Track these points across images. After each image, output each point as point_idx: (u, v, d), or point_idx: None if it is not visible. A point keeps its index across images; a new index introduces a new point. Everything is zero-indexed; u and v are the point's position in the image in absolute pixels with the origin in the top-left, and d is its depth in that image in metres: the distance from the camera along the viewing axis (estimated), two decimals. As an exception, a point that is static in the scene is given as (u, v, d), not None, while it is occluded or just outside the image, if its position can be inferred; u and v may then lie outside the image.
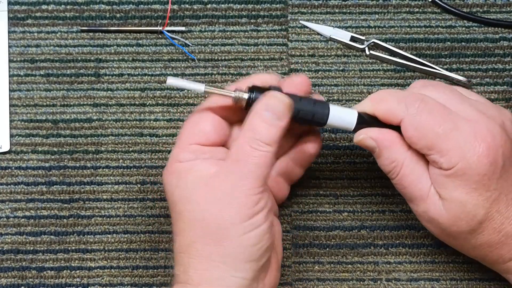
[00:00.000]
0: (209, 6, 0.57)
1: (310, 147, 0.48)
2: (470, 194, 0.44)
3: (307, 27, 0.57)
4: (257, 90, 0.45)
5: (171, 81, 0.44)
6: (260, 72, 0.47)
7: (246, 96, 0.45)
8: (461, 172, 0.43)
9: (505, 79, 0.56)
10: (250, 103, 0.45)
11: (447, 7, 0.57)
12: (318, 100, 0.47)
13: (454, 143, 0.44)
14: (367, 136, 0.46)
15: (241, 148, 0.43)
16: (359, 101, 0.56)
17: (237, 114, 0.46)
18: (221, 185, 0.43)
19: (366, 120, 0.47)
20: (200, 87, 0.44)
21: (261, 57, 0.57)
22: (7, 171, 0.55)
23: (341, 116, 0.47)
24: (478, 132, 0.44)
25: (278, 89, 0.45)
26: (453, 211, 0.45)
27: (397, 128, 0.46)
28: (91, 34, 0.57)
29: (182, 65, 0.57)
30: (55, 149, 0.55)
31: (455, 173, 0.44)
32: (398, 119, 0.45)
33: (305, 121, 0.46)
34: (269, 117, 0.43)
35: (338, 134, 0.55)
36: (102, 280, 0.54)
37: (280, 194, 0.51)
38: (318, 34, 0.57)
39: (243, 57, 0.57)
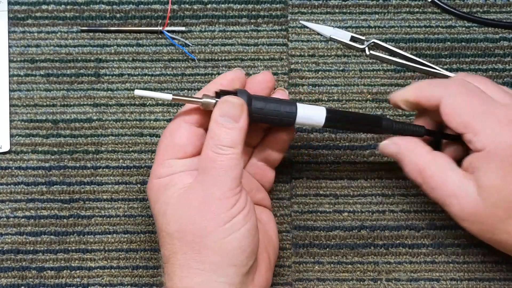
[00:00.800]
0: (209, 6, 0.57)
1: (284, 134, 0.49)
2: (505, 178, 0.44)
3: (307, 27, 0.57)
4: (223, 94, 0.45)
5: (138, 92, 0.45)
6: (225, 72, 0.48)
7: (213, 101, 0.45)
8: (494, 153, 0.44)
9: (505, 79, 0.56)
10: None
11: (447, 7, 0.57)
12: (285, 100, 0.47)
13: (489, 124, 0.44)
14: (391, 142, 0.48)
15: (206, 156, 0.44)
16: (359, 101, 0.56)
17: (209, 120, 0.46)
18: (195, 195, 0.43)
19: (336, 117, 0.48)
20: (167, 96, 0.45)
21: (261, 57, 0.57)
22: (7, 171, 0.55)
23: (310, 115, 0.47)
24: None
25: (243, 91, 0.46)
26: (489, 198, 0.44)
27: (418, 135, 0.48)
28: (91, 34, 0.57)
29: (182, 65, 0.57)
30: (55, 149, 0.55)
31: (488, 154, 0.44)
32: (438, 99, 0.46)
33: (273, 122, 0.47)
34: (225, 121, 0.44)
35: (338, 134, 0.55)
36: (102, 280, 0.54)
37: (265, 179, 0.51)
38: (318, 34, 0.57)
39: (243, 57, 0.57)
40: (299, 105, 0.47)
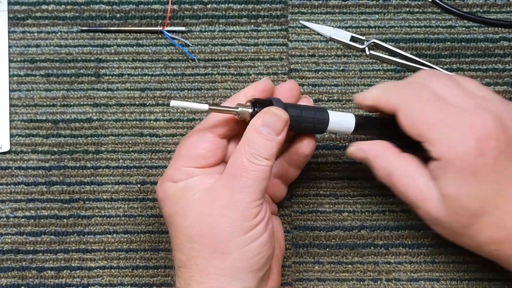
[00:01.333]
0: (209, 6, 0.57)
1: (304, 148, 0.48)
2: (463, 187, 0.44)
3: (307, 27, 0.57)
4: (259, 103, 0.45)
5: (175, 103, 0.44)
6: (255, 82, 0.48)
7: (250, 110, 0.45)
8: (450, 162, 0.44)
9: (505, 79, 0.56)
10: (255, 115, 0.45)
11: (447, 7, 0.57)
12: (317, 107, 0.48)
13: (444, 134, 0.44)
14: (356, 148, 0.48)
15: (239, 162, 0.43)
16: (359, 101, 0.56)
17: (235, 130, 0.46)
18: (219, 199, 0.43)
19: (364, 123, 0.48)
20: (204, 107, 0.44)
21: (261, 57, 0.57)
22: (7, 171, 0.55)
23: (340, 121, 0.48)
24: (469, 124, 0.44)
25: (278, 100, 0.46)
26: (450, 206, 0.45)
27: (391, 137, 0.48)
28: (91, 34, 0.57)
29: (182, 65, 0.57)
30: (55, 149, 0.55)
31: (445, 163, 0.44)
32: (395, 106, 0.46)
33: (306, 130, 0.47)
34: (267, 133, 0.43)
35: (338, 134, 0.55)
36: (102, 280, 0.54)
37: (277, 195, 0.51)
38: (318, 34, 0.57)
39: (243, 57, 0.57)
40: (330, 112, 0.47)
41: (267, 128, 0.43)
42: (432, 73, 0.48)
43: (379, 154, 0.47)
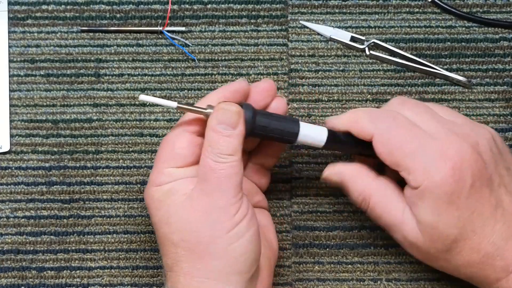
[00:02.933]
0: (209, 6, 0.57)
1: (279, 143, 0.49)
2: (441, 215, 0.44)
3: (307, 27, 0.57)
4: None
5: (143, 97, 0.44)
6: (229, 83, 0.48)
7: None
8: (428, 190, 0.44)
9: (505, 79, 0.56)
10: None
11: (447, 7, 0.57)
12: (289, 118, 0.47)
13: (420, 162, 0.44)
14: (332, 172, 0.48)
15: (206, 165, 0.43)
16: (359, 101, 0.56)
17: None
18: (198, 203, 0.43)
19: (336, 138, 0.48)
20: (172, 104, 0.44)
21: (261, 57, 0.57)
22: (7, 171, 0.55)
23: (311, 135, 0.47)
24: (445, 152, 0.44)
25: (248, 105, 0.46)
26: (427, 233, 0.45)
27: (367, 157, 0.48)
28: (91, 34, 0.57)
29: (182, 65, 0.57)
30: (55, 149, 0.55)
31: (422, 192, 0.44)
32: (370, 136, 0.46)
33: (274, 138, 0.47)
34: (223, 129, 0.44)
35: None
36: (102, 280, 0.54)
37: (262, 181, 0.51)
38: (318, 34, 0.57)
39: (243, 57, 0.57)
40: (302, 124, 0.47)
41: (222, 125, 0.44)
42: (403, 101, 0.48)
43: (355, 177, 0.47)
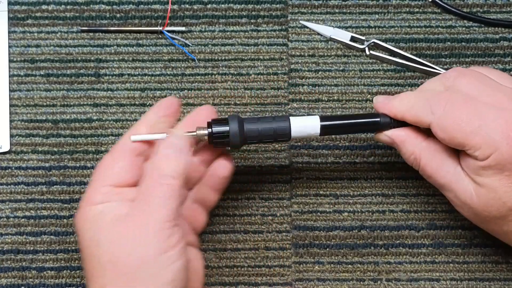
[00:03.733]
0: (209, 6, 0.57)
1: (222, 171, 0.48)
2: (503, 181, 0.44)
3: (307, 27, 0.57)
4: (215, 123, 0.47)
5: (135, 137, 0.45)
6: (195, 109, 0.48)
7: (207, 132, 0.46)
8: (495, 162, 0.44)
9: (505, 79, 0.56)
10: (212, 136, 0.46)
11: (447, 7, 0.57)
12: (277, 116, 0.48)
13: (485, 137, 0.44)
14: (383, 134, 0.49)
15: (148, 184, 0.43)
16: (359, 101, 0.56)
17: (149, 148, 0.46)
18: (132, 224, 0.42)
19: (332, 123, 0.48)
20: (162, 136, 0.45)
21: (261, 57, 0.57)
22: (7, 171, 0.55)
23: (303, 124, 0.48)
24: (509, 121, 0.44)
25: (234, 117, 0.46)
26: (484, 197, 0.45)
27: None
28: (91, 34, 0.57)
29: (182, 65, 0.57)
30: (55, 149, 0.55)
31: (489, 163, 0.44)
32: (427, 123, 0.46)
33: (269, 139, 0.47)
34: (171, 153, 0.44)
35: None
36: (102, 280, 0.54)
37: (198, 222, 0.50)
38: (318, 34, 0.57)
39: (243, 57, 0.57)
40: (292, 118, 0.47)
41: (169, 149, 0.44)
42: (459, 73, 0.47)
43: (405, 140, 0.48)
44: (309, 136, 0.48)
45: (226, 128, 0.47)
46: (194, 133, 0.46)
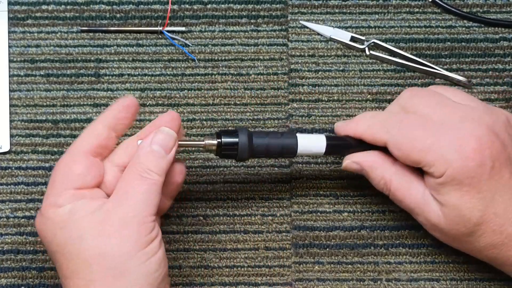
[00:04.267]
0: (209, 6, 0.57)
1: (176, 177, 0.48)
2: (463, 198, 0.45)
3: (307, 27, 0.57)
4: (224, 134, 0.47)
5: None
6: (159, 116, 0.47)
7: (215, 142, 0.47)
8: (451, 178, 0.45)
9: (505, 79, 0.56)
10: (221, 147, 0.47)
11: (447, 7, 0.57)
12: (285, 132, 0.49)
13: (437, 154, 0.45)
14: (351, 162, 0.49)
15: (132, 179, 0.43)
16: (359, 101, 0.56)
17: (106, 147, 0.46)
18: (114, 218, 0.42)
19: (337, 143, 0.49)
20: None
21: (261, 57, 0.57)
22: (7, 171, 0.55)
23: (310, 143, 0.48)
24: (461, 138, 0.45)
25: (243, 130, 0.47)
26: (449, 216, 0.46)
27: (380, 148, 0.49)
28: (91, 34, 0.57)
29: (182, 65, 0.57)
30: (55, 149, 0.55)
31: (445, 180, 0.45)
32: (383, 142, 0.47)
33: (275, 155, 0.48)
34: (157, 150, 0.44)
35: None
36: (102, 280, 0.54)
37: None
38: (318, 34, 0.57)
39: (243, 57, 0.57)
40: (299, 136, 0.48)
41: (157, 146, 0.44)
42: (412, 93, 0.49)
43: (374, 165, 0.48)
44: (314, 154, 0.49)
45: (236, 140, 0.47)
46: (202, 142, 0.47)
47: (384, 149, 0.48)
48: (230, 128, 0.55)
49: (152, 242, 0.43)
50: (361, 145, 0.49)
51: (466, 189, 0.45)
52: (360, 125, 0.49)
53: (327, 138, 0.49)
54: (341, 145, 0.50)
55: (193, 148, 0.54)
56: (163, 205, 0.48)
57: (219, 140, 0.47)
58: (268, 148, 0.47)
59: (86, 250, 0.42)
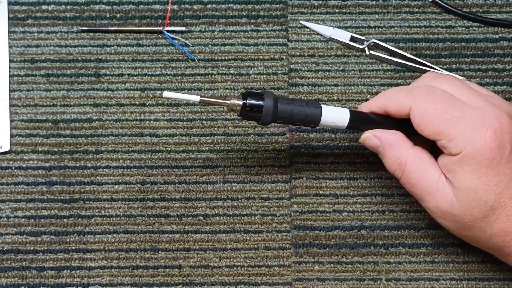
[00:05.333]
0: (209, 6, 0.57)
1: None
2: (480, 179, 0.45)
3: (307, 27, 0.57)
4: (249, 95, 0.46)
5: (167, 94, 0.45)
6: None
7: (240, 102, 0.46)
8: (469, 156, 0.45)
9: (505, 79, 0.56)
10: (245, 108, 0.46)
11: (447, 7, 0.57)
12: (310, 101, 0.48)
13: (461, 129, 0.45)
14: (371, 135, 0.48)
15: None
16: (359, 101, 0.56)
17: None
18: None
19: (359, 118, 0.49)
20: (196, 98, 0.45)
21: (261, 57, 0.57)
22: (7, 171, 0.55)
23: (334, 115, 0.48)
24: (485, 119, 0.45)
25: (269, 93, 0.47)
26: (464, 199, 0.45)
27: (400, 129, 0.48)
28: (91, 34, 0.57)
29: (182, 65, 0.57)
30: (55, 149, 0.55)
31: (463, 158, 0.45)
32: (407, 109, 0.47)
33: (298, 122, 0.48)
34: None
35: (338, 134, 0.55)
36: (102, 280, 0.54)
37: None
38: (318, 34, 0.57)
39: (243, 57, 0.57)
40: (323, 107, 0.48)
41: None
42: (438, 75, 0.49)
43: (394, 144, 0.48)
44: (335, 127, 0.49)
45: (261, 103, 0.46)
46: (227, 102, 0.46)
47: (405, 132, 0.48)
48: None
49: None
50: (384, 123, 0.48)
51: (484, 171, 0.44)
52: (385, 94, 0.48)
53: (351, 112, 0.48)
54: (364, 121, 0.49)
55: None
56: None
57: (245, 101, 0.46)
58: (292, 115, 0.47)
59: None
